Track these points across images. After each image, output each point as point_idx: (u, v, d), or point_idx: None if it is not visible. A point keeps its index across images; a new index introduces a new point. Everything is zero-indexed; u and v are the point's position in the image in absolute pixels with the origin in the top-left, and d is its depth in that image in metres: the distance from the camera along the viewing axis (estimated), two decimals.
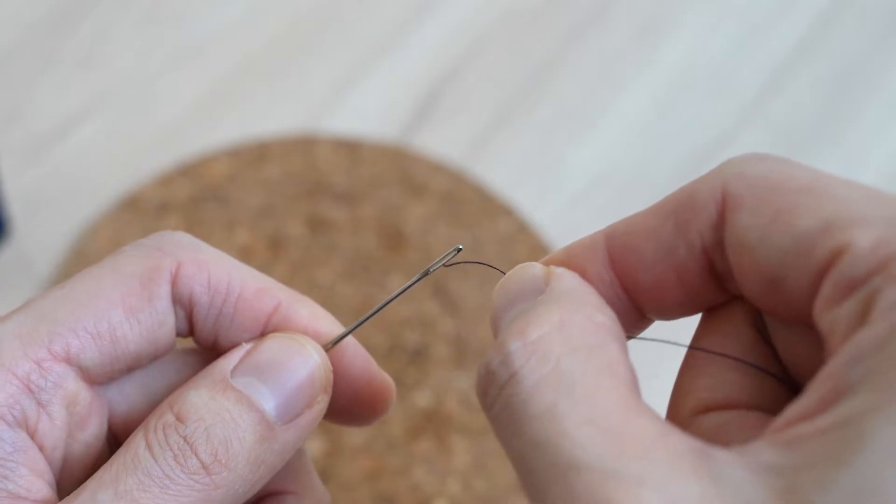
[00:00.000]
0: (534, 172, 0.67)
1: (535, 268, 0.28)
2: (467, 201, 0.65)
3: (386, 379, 0.34)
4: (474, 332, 0.60)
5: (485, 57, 0.71)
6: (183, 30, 0.71)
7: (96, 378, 0.31)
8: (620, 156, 0.68)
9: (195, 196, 0.64)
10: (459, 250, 0.32)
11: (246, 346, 0.31)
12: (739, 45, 0.72)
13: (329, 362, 0.32)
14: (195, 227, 0.63)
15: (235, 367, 0.31)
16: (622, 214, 0.29)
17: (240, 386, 0.30)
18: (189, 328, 0.33)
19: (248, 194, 0.64)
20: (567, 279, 0.28)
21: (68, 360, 0.30)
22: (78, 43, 0.70)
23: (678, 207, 0.27)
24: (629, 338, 0.28)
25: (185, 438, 0.29)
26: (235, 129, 0.67)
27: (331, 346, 0.32)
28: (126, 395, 0.33)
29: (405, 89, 0.69)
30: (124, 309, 0.31)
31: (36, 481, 0.29)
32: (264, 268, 0.39)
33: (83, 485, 0.29)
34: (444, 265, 0.32)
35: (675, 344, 0.29)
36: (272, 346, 0.31)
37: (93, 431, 0.32)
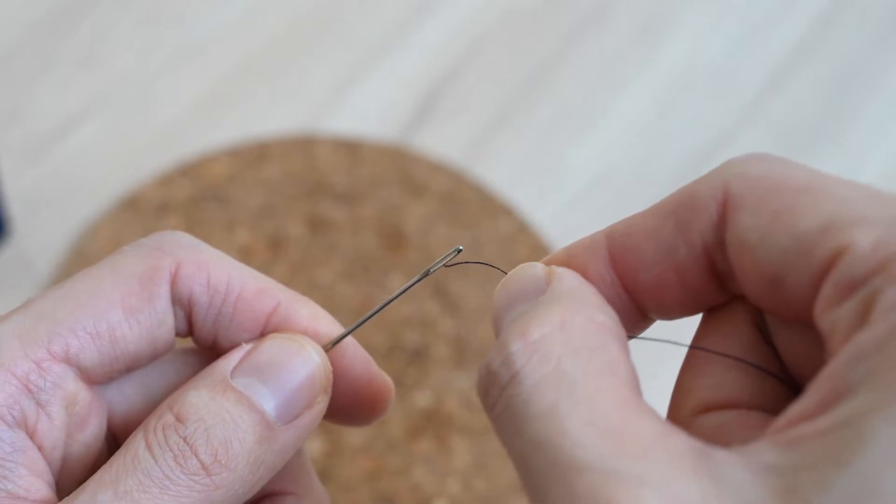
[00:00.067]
0: (534, 172, 0.67)
1: (537, 268, 0.28)
2: (467, 201, 0.65)
3: (385, 379, 0.34)
4: (474, 332, 0.60)
5: (485, 57, 0.71)
6: (183, 30, 0.71)
7: (95, 378, 0.31)
8: (620, 156, 0.68)
9: (195, 196, 0.64)
10: (460, 251, 0.32)
11: (246, 347, 0.31)
12: (739, 45, 0.72)
13: (329, 363, 0.32)
14: (195, 227, 0.63)
15: (235, 368, 0.31)
16: (622, 214, 0.29)
17: (240, 386, 0.30)
18: (188, 328, 0.33)
19: (248, 194, 0.64)
20: (568, 279, 0.28)
21: (67, 361, 0.30)
22: (78, 43, 0.70)
23: (679, 207, 0.27)
24: (630, 337, 0.28)
25: (185, 439, 0.29)
26: (235, 129, 0.67)
27: (330, 347, 0.32)
28: (125, 395, 0.33)
29: (405, 89, 0.69)
30: (124, 309, 0.31)
31: (35, 481, 0.29)
32: (264, 268, 0.39)
33: (83, 485, 0.29)
34: (444, 265, 0.32)
35: (675, 344, 0.29)
36: (272, 346, 0.31)
37: (92, 431, 0.32)
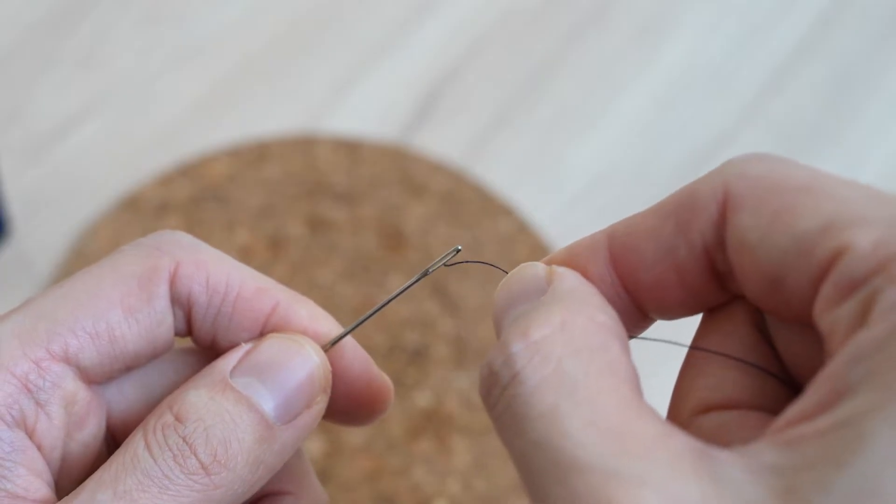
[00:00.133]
0: (534, 172, 0.67)
1: (537, 267, 0.28)
2: (467, 201, 0.65)
3: (385, 379, 0.34)
4: (474, 332, 0.60)
5: (485, 57, 0.71)
6: (183, 30, 0.71)
7: (95, 378, 0.31)
8: (620, 156, 0.68)
9: (195, 196, 0.64)
10: (458, 251, 0.32)
11: (245, 347, 0.31)
12: (739, 45, 0.72)
13: (328, 362, 0.32)
14: (195, 227, 0.63)
15: (235, 368, 0.31)
16: (622, 214, 0.29)
17: (239, 386, 0.30)
18: (187, 328, 0.33)
19: (248, 194, 0.64)
20: (569, 279, 0.28)
21: (67, 360, 0.30)
22: (78, 43, 0.70)
23: (679, 207, 0.27)
24: (631, 337, 0.28)
25: (184, 439, 0.29)
26: (235, 129, 0.67)
27: (330, 347, 0.32)
28: (125, 395, 0.33)
29: (405, 89, 0.69)
30: (123, 309, 0.31)
31: (34, 481, 0.29)
32: (264, 268, 0.39)
33: (82, 485, 0.29)
34: (444, 265, 0.32)
35: (676, 344, 0.29)
36: (271, 346, 0.31)
37: (91, 431, 0.31)
